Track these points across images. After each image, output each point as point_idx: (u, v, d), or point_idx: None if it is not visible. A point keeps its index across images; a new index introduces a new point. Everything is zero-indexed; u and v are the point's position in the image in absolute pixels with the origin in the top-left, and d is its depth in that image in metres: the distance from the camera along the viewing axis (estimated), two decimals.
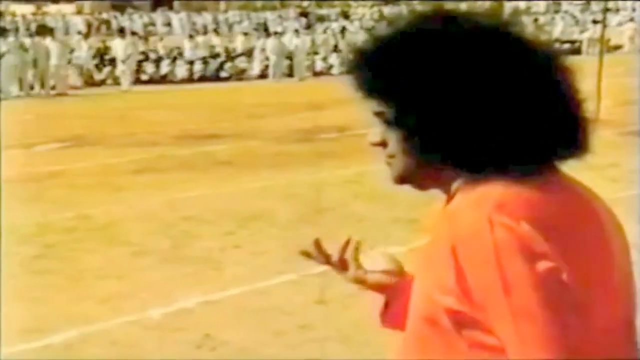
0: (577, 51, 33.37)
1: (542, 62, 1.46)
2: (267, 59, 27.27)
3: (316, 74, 27.48)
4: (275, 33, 30.23)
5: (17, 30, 35.43)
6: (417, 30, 1.48)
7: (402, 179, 1.54)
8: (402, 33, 1.49)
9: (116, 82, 25.09)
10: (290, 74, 27.36)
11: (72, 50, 25.74)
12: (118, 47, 25.82)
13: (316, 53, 28.62)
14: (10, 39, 24.69)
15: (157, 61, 27.01)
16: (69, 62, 24.55)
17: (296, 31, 30.78)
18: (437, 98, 1.42)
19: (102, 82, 25.63)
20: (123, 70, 24.99)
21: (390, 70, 1.46)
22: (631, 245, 1.52)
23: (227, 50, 29.23)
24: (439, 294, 1.37)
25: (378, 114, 1.52)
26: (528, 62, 1.44)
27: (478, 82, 1.41)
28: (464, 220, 1.38)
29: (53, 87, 23.25)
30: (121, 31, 35.16)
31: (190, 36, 30.53)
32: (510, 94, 1.41)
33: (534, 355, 1.31)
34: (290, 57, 27.60)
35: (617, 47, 34.27)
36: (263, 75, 27.10)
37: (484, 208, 1.37)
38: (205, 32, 37.53)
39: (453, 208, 1.45)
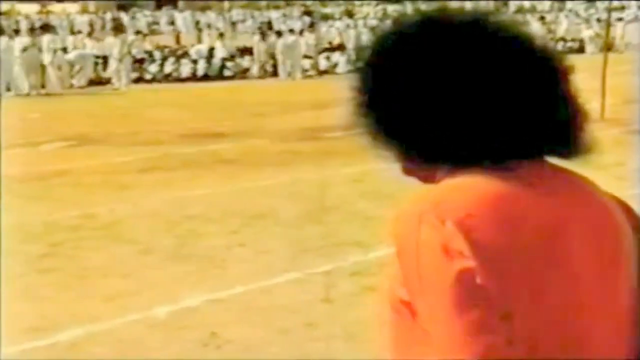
0: (581, 50, 33.35)
1: (519, 57, 1.45)
2: (272, 57, 27.27)
3: (321, 72, 27.47)
4: (278, 32, 30.22)
5: (18, 29, 35.35)
6: (397, 31, 1.51)
7: (404, 172, 1.55)
8: (384, 35, 1.53)
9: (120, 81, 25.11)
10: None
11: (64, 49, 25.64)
12: (112, 46, 25.80)
13: (321, 52, 28.61)
14: (25, 37, 24.73)
15: (162, 60, 27.02)
16: (71, 63, 24.51)
17: (290, 30, 30.67)
18: (400, 90, 1.45)
19: (107, 81, 25.66)
20: (117, 70, 25.00)
21: (365, 68, 1.52)
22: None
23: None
24: (397, 285, 1.39)
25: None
26: (500, 58, 1.44)
27: (442, 76, 1.43)
28: (401, 218, 1.40)
29: (43, 86, 23.25)
30: (117, 29, 34.98)
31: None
32: (470, 88, 1.42)
33: (443, 355, 1.31)
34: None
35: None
36: (266, 75, 27.10)
37: (419, 206, 1.39)
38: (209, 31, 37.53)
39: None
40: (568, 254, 1.39)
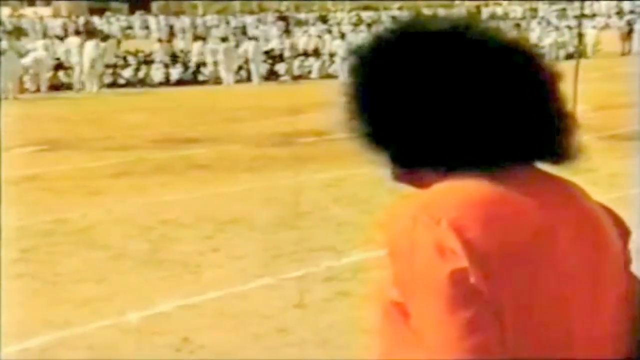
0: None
1: (509, 63, 1.46)
2: (246, 62, 27.23)
3: (295, 77, 27.48)
4: (253, 37, 30.20)
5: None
6: (388, 39, 1.52)
7: (395, 177, 1.56)
8: (376, 42, 1.53)
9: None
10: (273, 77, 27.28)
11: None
12: (84, 50, 25.67)
13: (295, 57, 28.62)
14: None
15: (136, 64, 26.89)
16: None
17: (247, 36, 30.57)
18: (385, 97, 1.47)
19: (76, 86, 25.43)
20: (88, 74, 24.88)
21: (356, 75, 1.53)
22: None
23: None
24: (389, 286, 1.40)
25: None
26: (489, 64, 1.45)
27: (432, 82, 1.44)
28: (396, 219, 1.42)
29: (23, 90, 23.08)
30: (90, 33, 34.83)
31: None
32: (459, 94, 1.43)
33: (435, 354, 1.32)
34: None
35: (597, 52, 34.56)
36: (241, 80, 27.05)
37: (413, 207, 1.41)
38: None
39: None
40: (557, 256, 1.41)
